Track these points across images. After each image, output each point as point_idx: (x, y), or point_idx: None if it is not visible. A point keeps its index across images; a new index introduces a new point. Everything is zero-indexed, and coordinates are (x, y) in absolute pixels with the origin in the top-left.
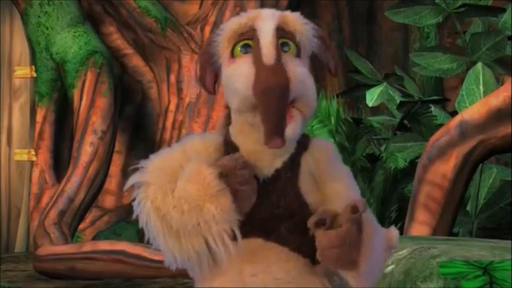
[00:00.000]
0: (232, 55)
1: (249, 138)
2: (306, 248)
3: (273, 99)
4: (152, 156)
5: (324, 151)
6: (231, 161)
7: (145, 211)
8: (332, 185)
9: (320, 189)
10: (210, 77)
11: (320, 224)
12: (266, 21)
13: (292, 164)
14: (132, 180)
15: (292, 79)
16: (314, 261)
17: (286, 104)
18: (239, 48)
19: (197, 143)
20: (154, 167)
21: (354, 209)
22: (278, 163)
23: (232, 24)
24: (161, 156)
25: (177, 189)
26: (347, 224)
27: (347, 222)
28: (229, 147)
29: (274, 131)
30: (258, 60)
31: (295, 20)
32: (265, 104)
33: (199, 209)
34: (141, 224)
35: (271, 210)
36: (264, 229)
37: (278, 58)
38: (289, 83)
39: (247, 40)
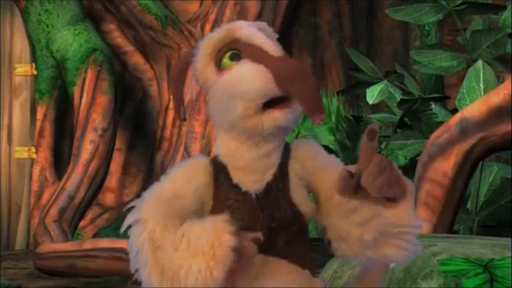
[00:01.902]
0: (219, 68)
1: (237, 157)
2: (304, 259)
3: (306, 77)
4: (144, 194)
5: (306, 150)
6: (252, 248)
7: (140, 240)
8: (323, 179)
9: (314, 189)
10: (183, 101)
11: (351, 175)
12: (248, 28)
13: (281, 175)
14: (129, 219)
15: None
16: (313, 273)
17: (316, 80)
18: (226, 60)
19: (185, 170)
20: (148, 204)
21: (371, 133)
22: (268, 176)
23: (211, 39)
24: (153, 192)
25: (186, 229)
26: (375, 154)
27: (372, 151)
28: (217, 166)
29: (316, 106)
30: (264, 56)
31: (268, 28)
32: (299, 86)
33: (193, 255)
34: (132, 254)
35: (267, 224)
36: (262, 244)
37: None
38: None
39: (232, 50)
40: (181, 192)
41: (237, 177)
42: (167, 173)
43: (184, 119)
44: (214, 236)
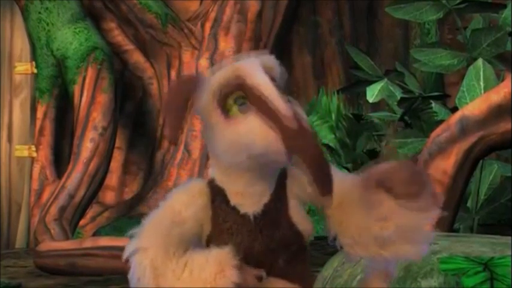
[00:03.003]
0: (224, 111)
1: (235, 182)
2: (305, 278)
3: (316, 153)
4: (144, 222)
5: None
6: (254, 284)
7: (142, 267)
8: None
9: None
10: (180, 129)
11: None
12: (257, 74)
13: (279, 195)
14: (130, 247)
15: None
16: None
17: (323, 155)
18: (233, 105)
19: (181, 196)
20: (148, 232)
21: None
22: (265, 198)
23: (217, 79)
24: (152, 219)
25: (189, 259)
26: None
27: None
28: (214, 189)
29: (326, 181)
30: (275, 117)
31: (274, 63)
32: (310, 160)
33: (195, 285)
34: (133, 281)
35: (266, 244)
36: (263, 265)
37: (295, 115)
38: (317, 141)
39: (238, 94)
40: (180, 218)
41: (234, 200)
42: (165, 199)
43: (175, 143)
44: (218, 269)
